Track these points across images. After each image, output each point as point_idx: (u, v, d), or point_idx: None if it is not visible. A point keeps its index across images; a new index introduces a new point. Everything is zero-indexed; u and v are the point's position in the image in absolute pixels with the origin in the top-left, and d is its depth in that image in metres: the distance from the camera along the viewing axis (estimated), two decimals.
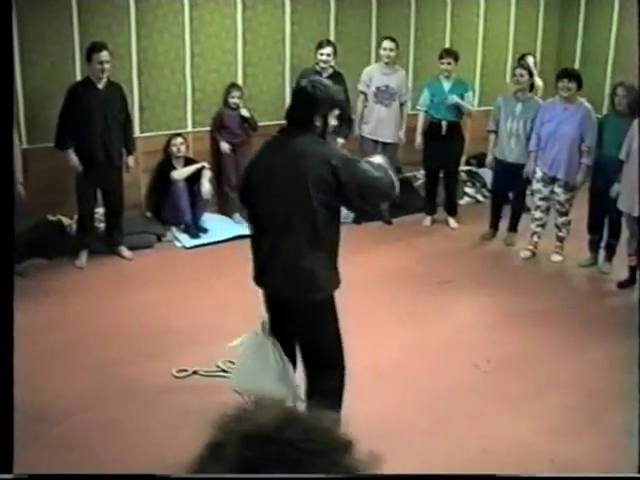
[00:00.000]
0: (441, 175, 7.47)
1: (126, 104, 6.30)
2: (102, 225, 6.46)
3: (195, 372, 4.54)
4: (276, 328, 3.64)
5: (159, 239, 6.79)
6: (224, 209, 7.38)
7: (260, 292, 3.66)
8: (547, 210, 6.60)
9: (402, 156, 7.77)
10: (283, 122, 3.64)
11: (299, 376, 3.72)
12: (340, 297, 3.59)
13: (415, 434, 3.98)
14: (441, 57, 7.22)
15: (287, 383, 3.63)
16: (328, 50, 7.09)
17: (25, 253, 5.80)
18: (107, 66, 5.98)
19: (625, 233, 6.08)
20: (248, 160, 3.87)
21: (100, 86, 6.03)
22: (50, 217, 6.41)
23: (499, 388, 4.50)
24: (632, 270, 5.99)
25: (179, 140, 6.90)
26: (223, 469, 0.93)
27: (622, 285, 6.02)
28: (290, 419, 0.96)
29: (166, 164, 6.93)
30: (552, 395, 4.44)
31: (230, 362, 4.31)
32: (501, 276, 6.27)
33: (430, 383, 4.51)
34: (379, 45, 7.46)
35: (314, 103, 3.41)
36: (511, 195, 7.06)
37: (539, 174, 6.48)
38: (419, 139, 7.34)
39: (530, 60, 7.84)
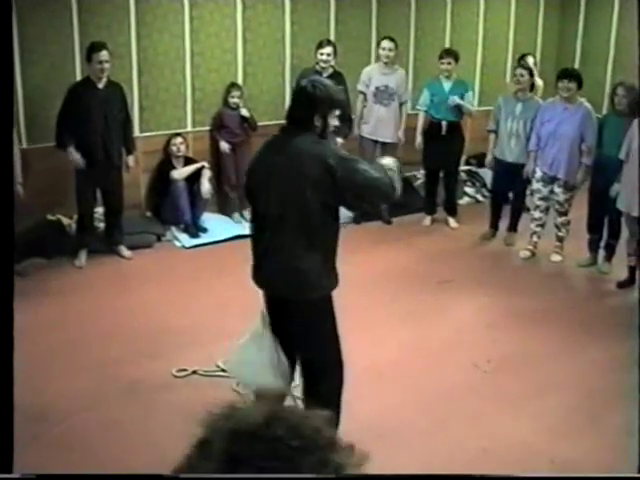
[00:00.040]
0: (441, 175, 7.47)
1: (126, 104, 6.30)
2: (102, 225, 6.47)
3: (195, 372, 4.54)
4: (276, 329, 3.64)
5: (159, 239, 6.79)
6: (224, 209, 7.38)
7: (260, 292, 3.66)
8: (547, 210, 6.60)
9: (402, 156, 7.75)
10: (283, 122, 3.64)
11: (299, 376, 3.72)
12: (340, 297, 3.58)
13: (415, 434, 3.98)
14: (441, 57, 7.22)
15: (280, 374, 3.61)
16: (328, 50, 7.09)
17: (25, 253, 5.79)
18: (107, 66, 5.98)
19: (625, 233, 6.08)
20: (248, 160, 3.88)
21: (100, 86, 6.04)
22: (50, 217, 6.40)
23: (499, 388, 4.50)
24: (632, 270, 5.99)
25: (179, 140, 6.90)
26: (211, 465, 0.93)
27: (622, 285, 6.02)
28: (277, 416, 0.97)
29: (166, 164, 6.93)
30: (552, 395, 4.44)
31: None
32: (501, 276, 6.27)
33: (430, 383, 4.51)
34: (378, 45, 7.46)
35: (314, 103, 3.41)
36: (511, 195, 7.06)
37: (539, 174, 6.48)
38: (419, 139, 7.34)
39: (530, 60, 7.84)
